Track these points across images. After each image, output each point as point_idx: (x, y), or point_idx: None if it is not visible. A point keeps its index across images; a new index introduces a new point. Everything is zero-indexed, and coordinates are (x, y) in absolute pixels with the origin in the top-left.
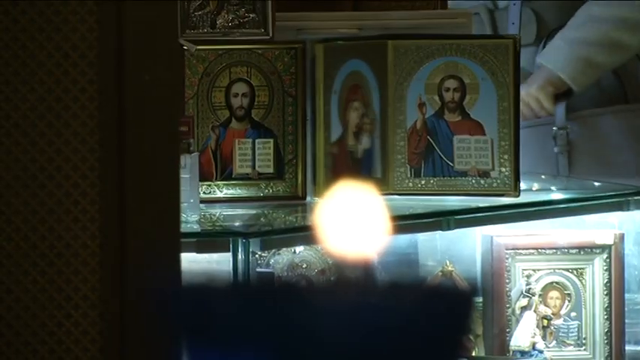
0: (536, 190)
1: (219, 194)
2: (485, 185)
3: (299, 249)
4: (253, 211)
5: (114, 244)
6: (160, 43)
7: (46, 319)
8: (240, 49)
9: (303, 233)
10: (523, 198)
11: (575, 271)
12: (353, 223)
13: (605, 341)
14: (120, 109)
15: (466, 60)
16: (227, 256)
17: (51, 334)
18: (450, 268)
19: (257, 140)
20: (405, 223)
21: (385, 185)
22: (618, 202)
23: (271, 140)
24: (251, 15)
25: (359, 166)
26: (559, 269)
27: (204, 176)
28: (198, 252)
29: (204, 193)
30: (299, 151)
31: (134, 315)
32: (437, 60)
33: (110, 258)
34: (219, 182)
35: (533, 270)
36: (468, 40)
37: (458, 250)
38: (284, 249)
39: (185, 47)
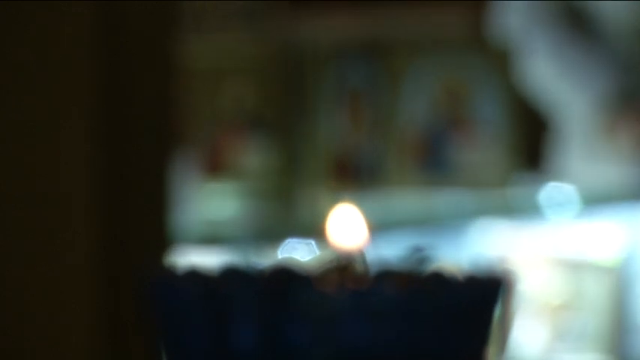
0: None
1: (215, 193)
2: (483, 182)
3: (296, 247)
4: (250, 209)
5: (107, 247)
6: (156, 41)
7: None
8: (239, 48)
9: (301, 231)
10: (520, 194)
11: (579, 281)
12: (351, 220)
13: (609, 352)
14: (114, 109)
15: (467, 62)
16: (224, 257)
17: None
18: (450, 265)
19: (256, 140)
20: (402, 220)
21: (384, 183)
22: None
23: (271, 140)
24: (250, 12)
25: (359, 166)
26: (563, 278)
27: (202, 175)
28: (194, 252)
29: (199, 192)
30: (300, 151)
31: (130, 330)
32: (438, 62)
33: (104, 270)
34: (215, 180)
35: (537, 279)
36: (468, 43)
37: (456, 249)
38: (280, 246)
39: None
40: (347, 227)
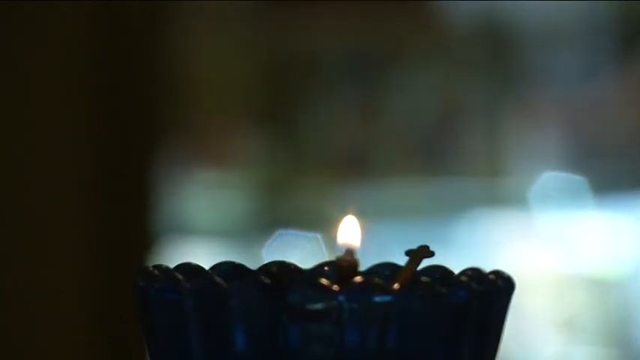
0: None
1: (216, 187)
2: (478, 172)
3: (291, 240)
4: (247, 205)
5: (105, 247)
6: (156, 41)
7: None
8: (244, 45)
9: (298, 227)
10: (517, 184)
11: (587, 295)
12: (354, 217)
13: (616, 347)
14: (114, 110)
15: (461, 64)
16: (221, 257)
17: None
18: (451, 263)
19: (259, 133)
20: (401, 211)
21: (384, 176)
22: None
23: (272, 133)
24: (253, 12)
25: (359, 159)
26: (571, 292)
27: (203, 170)
28: (194, 246)
29: (200, 187)
30: (302, 145)
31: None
32: (434, 66)
33: (102, 269)
34: (216, 174)
35: (543, 292)
36: (460, 50)
37: (453, 241)
38: (272, 239)
39: None
40: (350, 224)
